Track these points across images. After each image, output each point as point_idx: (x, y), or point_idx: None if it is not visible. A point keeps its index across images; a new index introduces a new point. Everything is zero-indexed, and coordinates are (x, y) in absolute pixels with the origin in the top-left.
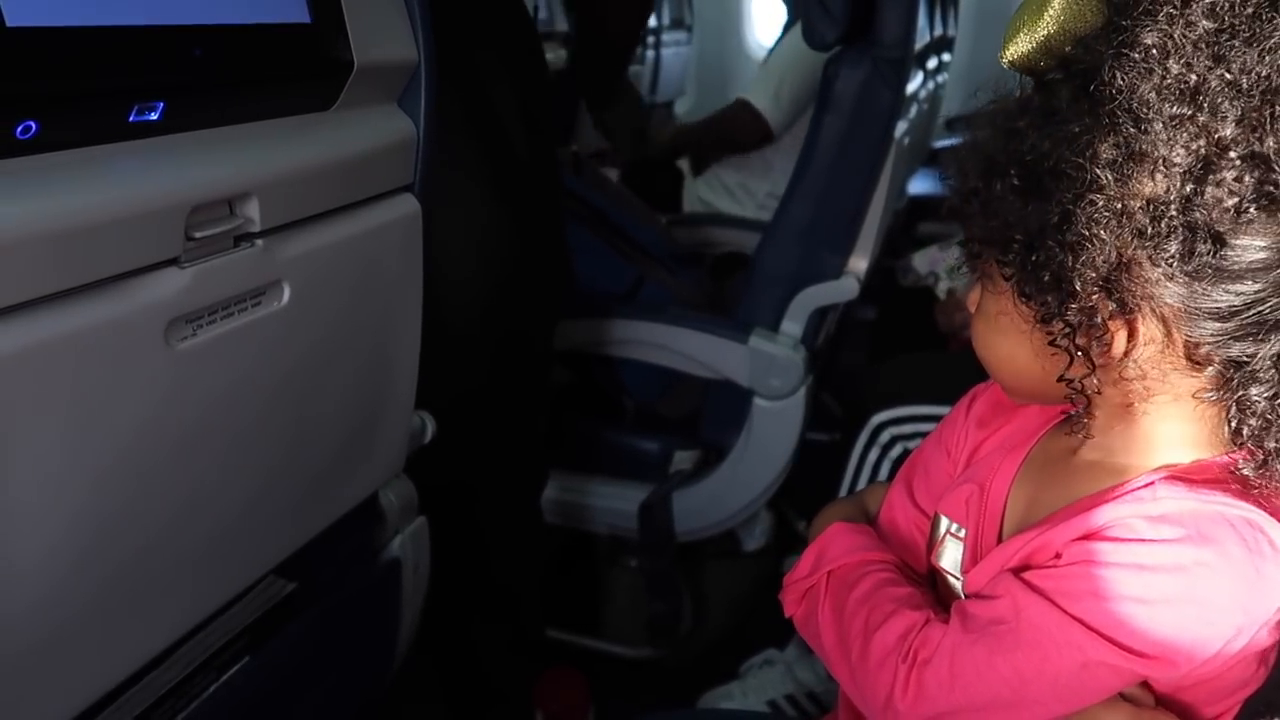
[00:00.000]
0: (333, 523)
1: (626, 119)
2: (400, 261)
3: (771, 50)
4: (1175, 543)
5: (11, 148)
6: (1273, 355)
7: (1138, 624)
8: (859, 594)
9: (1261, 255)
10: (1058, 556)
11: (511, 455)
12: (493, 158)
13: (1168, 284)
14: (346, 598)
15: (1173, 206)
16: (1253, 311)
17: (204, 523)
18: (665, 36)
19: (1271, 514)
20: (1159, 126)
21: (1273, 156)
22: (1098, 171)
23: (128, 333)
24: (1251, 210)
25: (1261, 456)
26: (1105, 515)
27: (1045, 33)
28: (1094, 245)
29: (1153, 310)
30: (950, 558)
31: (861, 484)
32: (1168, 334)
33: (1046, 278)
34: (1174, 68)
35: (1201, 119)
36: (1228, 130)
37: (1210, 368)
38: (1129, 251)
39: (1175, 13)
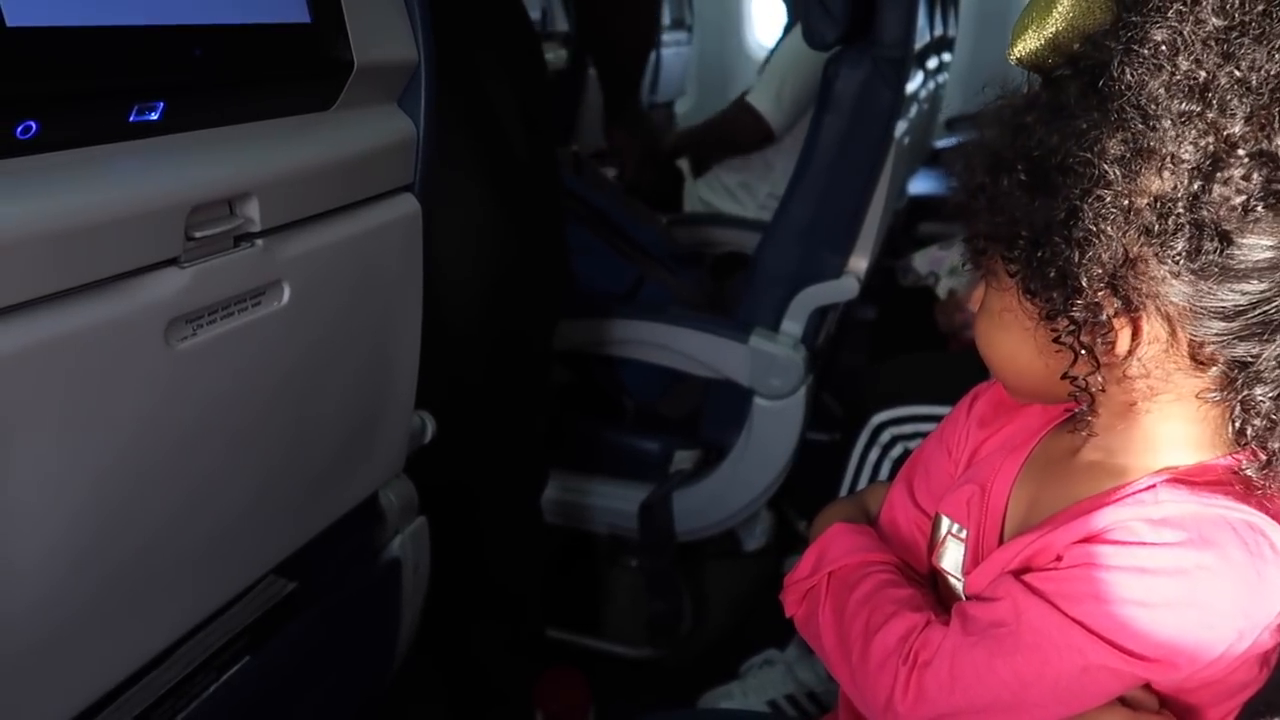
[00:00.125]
0: (333, 523)
1: (637, 142)
2: (400, 261)
3: (772, 51)
4: (1176, 546)
5: (11, 148)
6: (1277, 355)
7: (1139, 627)
8: (860, 595)
9: (1268, 254)
10: (1059, 559)
11: (511, 455)
12: (491, 158)
13: (1173, 282)
14: (346, 598)
15: (1180, 204)
16: (1258, 311)
17: (204, 522)
18: (665, 36)
19: (1273, 517)
20: (1167, 123)
21: None
22: (1105, 167)
23: (128, 333)
24: (1259, 209)
25: (1265, 457)
26: (1106, 518)
27: (1054, 30)
28: (1100, 241)
29: (1157, 309)
30: (951, 559)
31: (862, 484)
32: (1172, 333)
33: (1052, 274)
34: (1183, 64)
35: (1210, 116)
36: (1236, 128)
37: (1214, 368)
38: (1135, 248)
39: (1185, 10)
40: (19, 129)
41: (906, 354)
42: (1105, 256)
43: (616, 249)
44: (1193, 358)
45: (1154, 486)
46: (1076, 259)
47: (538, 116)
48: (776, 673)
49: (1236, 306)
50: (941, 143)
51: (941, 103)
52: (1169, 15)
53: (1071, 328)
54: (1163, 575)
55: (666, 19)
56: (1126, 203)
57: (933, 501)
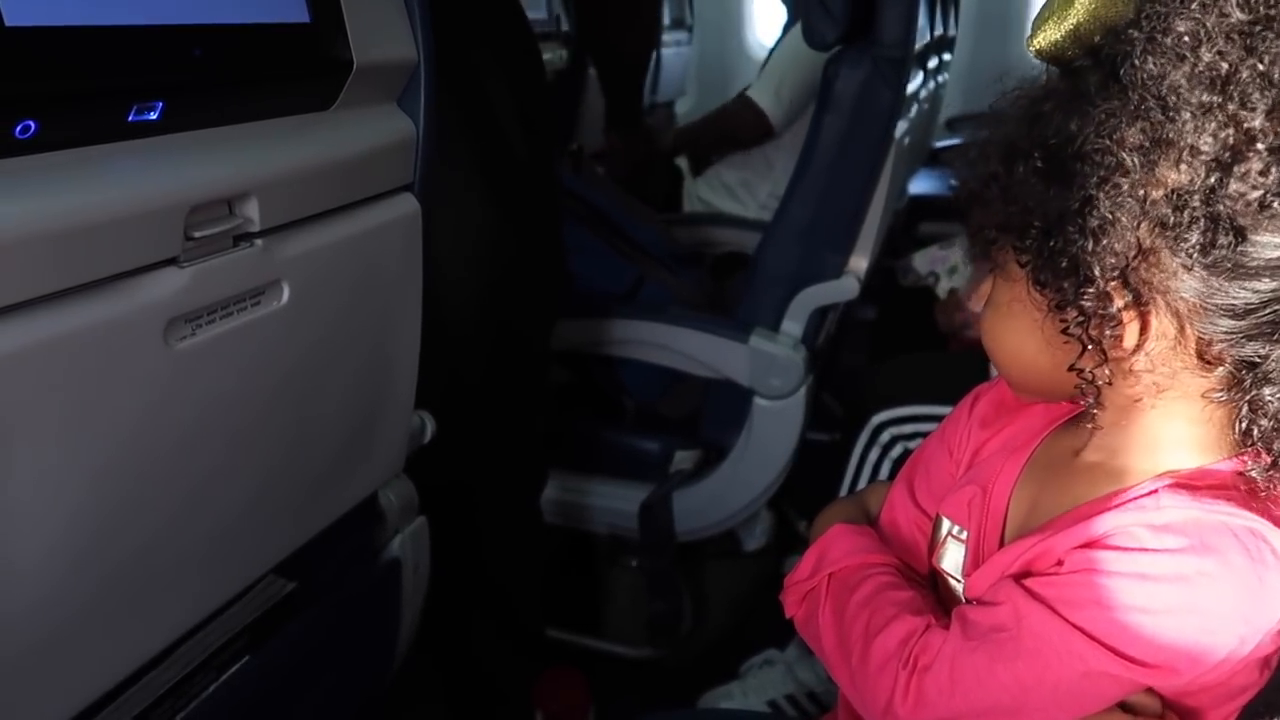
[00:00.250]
0: (333, 522)
1: (637, 145)
2: (400, 261)
3: (772, 51)
4: (1178, 552)
5: (11, 147)
6: None
7: (1140, 633)
8: (860, 597)
9: None
10: (1059, 564)
11: (510, 455)
12: (489, 157)
13: (1185, 276)
14: (346, 597)
15: (1196, 196)
16: (1269, 310)
17: (204, 522)
18: (665, 36)
19: (1275, 523)
20: (1187, 115)
21: None
22: (1123, 155)
23: (127, 332)
24: (1275, 205)
25: (1270, 459)
26: (1108, 523)
27: (1075, 20)
28: (1114, 231)
29: (1167, 304)
30: (952, 560)
31: (862, 484)
32: (1180, 329)
33: (1064, 264)
34: (1206, 56)
35: (1231, 109)
36: (1257, 121)
37: (1221, 368)
38: (1149, 240)
39: (1209, 2)
40: (18, 129)
41: (906, 354)
42: (1118, 247)
43: (616, 249)
44: (1200, 356)
45: (1156, 492)
46: (1089, 248)
47: (535, 116)
48: (776, 673)
49: (1247, 304)
50: (941, 143)
51: (941, 103)
52: (1192, 7)
53: (1080, 319)
54: (1164, 581)
55: (666, 19)
56: (1142, 193)
57: (933, 502)
